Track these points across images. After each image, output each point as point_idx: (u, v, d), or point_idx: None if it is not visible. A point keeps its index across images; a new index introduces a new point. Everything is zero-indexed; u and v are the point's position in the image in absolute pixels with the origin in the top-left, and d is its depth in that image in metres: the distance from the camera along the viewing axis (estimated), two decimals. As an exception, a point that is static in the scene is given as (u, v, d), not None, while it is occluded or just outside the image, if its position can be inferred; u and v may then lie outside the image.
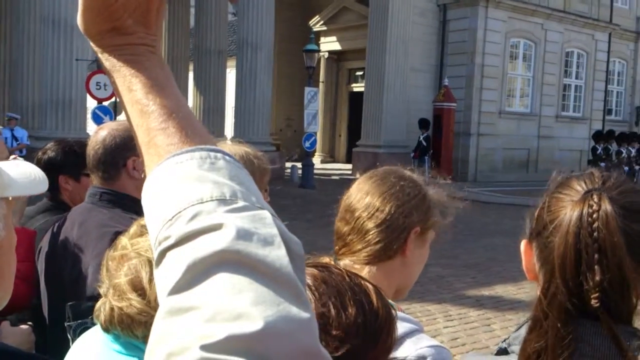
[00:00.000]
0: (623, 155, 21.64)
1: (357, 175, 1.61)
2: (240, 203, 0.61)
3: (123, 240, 1.41)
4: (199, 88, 22.38)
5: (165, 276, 0.58)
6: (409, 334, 1.40)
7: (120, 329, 1.33)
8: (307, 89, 19.32)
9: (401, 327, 1.32)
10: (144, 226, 1.42)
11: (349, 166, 22.94)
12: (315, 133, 20.01)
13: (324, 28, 26.75)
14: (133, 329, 1.32)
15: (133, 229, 1.44)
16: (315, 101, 19.54)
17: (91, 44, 0.74)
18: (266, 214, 0.62)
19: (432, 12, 23.19)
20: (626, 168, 19.98)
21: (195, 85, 22.67)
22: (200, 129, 0.71)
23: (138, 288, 1.32)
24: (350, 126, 26.88)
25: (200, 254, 0.57)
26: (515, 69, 24.29)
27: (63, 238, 2.15)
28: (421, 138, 20.59)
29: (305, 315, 0.55)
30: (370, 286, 1.03)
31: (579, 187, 1.12)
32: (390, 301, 1.41)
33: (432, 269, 8.36)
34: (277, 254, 0.58)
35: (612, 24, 26.91)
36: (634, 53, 29.13)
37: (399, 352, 1.34)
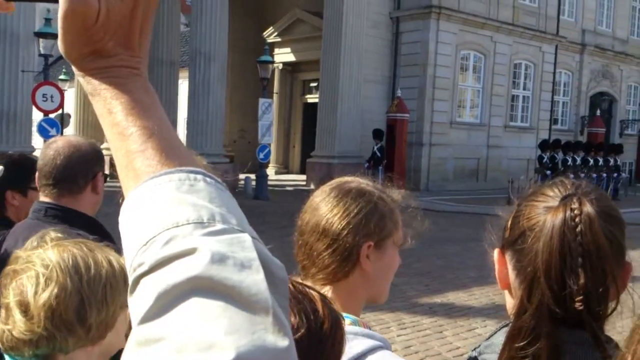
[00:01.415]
0: (576, 163, 22.03)
1: (312, 186, 1.57)
2: (219, 226, 0.58)
3: (19, 253, 1.32)
4: (151, 99, 22.03)
5: (138, 304, 0.56)
6: (371, 351, 1.31)
7: (12, 352, 1.24)
8: (261, 100, 19.25)
9: (362, 344, 1.28)
10: (41, 238, 1.35)
11: (303, 177, 22.93)
12: (270, 144, 19.95)
13: (278, 39, 26.77)
14: (20, 349, 1.24)
15: (30, 241, 1.36)
16: (270, 112, 19.48)
17: (73, 68, 0.71)
18: (246, 237, 0.59)
19: (385, 25, 23.46)
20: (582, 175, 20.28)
21: (147, 96, 22.28)
22: (182, 149, 0.68)
23: (23, 304, 1.23)
24: (305, 137, 26.90)
25: (171, 280, 0.54)
26: (466, 80, 24.75)
27: (5, 255, 2.08)
28: (375, 148, 20.76)
29: (282, 344, 0.52)
30: (315, 294, 1.00)
31: (553, 194, 1.11)
32: (353, 316, 1.36)
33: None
34: (254, 279, 0.55)
35: (559, 36, 27.69)
36: (579, 64, 30.00)
37: None
